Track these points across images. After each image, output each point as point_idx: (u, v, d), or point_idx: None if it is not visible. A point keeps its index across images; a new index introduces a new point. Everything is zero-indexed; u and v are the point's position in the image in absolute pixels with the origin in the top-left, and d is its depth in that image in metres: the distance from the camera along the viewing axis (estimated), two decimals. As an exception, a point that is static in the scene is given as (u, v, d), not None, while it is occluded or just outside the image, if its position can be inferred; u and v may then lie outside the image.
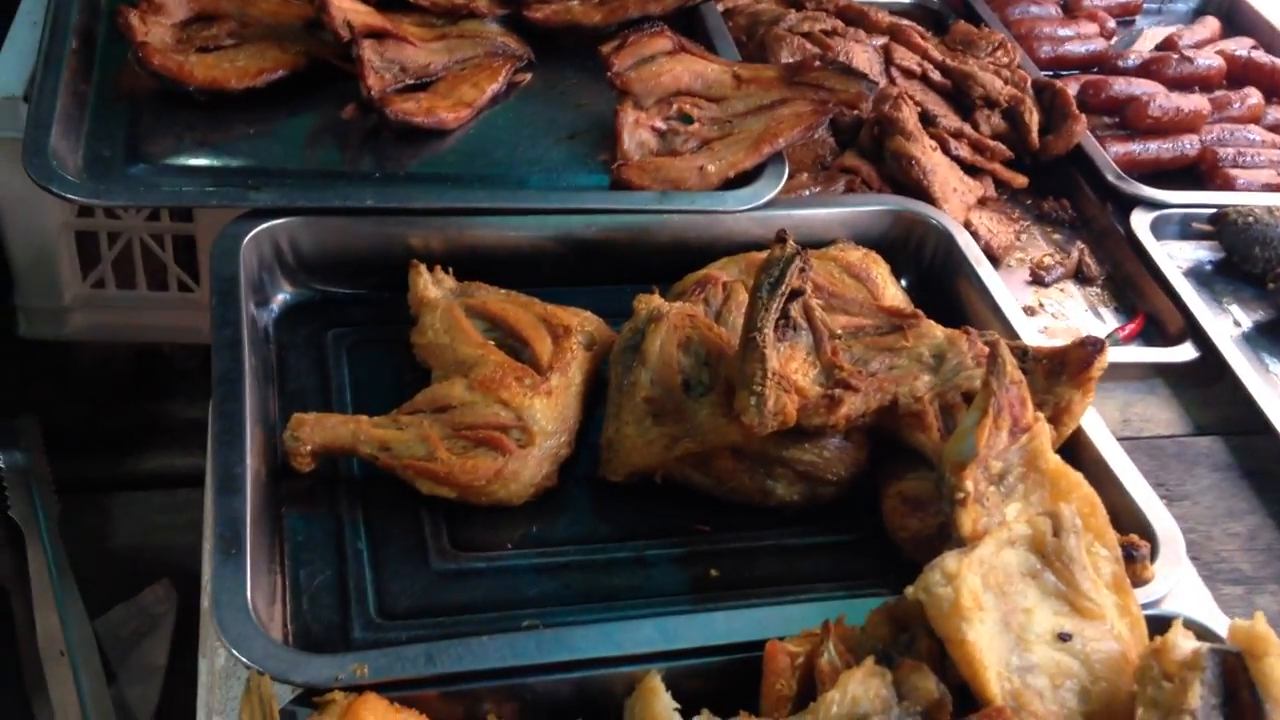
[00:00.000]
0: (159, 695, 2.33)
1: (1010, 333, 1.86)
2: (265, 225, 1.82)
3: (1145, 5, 3.18)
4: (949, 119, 2.45)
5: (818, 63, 2.16)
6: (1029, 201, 2.51)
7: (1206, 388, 2.12)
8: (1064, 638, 1.28)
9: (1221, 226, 2.35)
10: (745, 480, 1.63)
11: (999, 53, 2.64)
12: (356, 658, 1.31)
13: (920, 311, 1.75)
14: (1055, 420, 1.63)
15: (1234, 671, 1.20)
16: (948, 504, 1.40)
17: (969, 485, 1.38)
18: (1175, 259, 2.32)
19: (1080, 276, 2.36)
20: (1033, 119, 2.47)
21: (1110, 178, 2.43)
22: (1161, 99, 2.60)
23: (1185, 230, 2.40)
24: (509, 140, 2.11)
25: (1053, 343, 1.75)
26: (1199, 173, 2.57)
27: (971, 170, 2.39)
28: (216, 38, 2.13)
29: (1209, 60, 2.83)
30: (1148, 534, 1.58)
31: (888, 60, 2.54)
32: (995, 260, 2.24)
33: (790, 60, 2.38)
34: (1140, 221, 2.34)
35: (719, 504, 1.65)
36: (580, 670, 1.36)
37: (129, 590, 2.46)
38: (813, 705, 1.22)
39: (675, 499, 1.66)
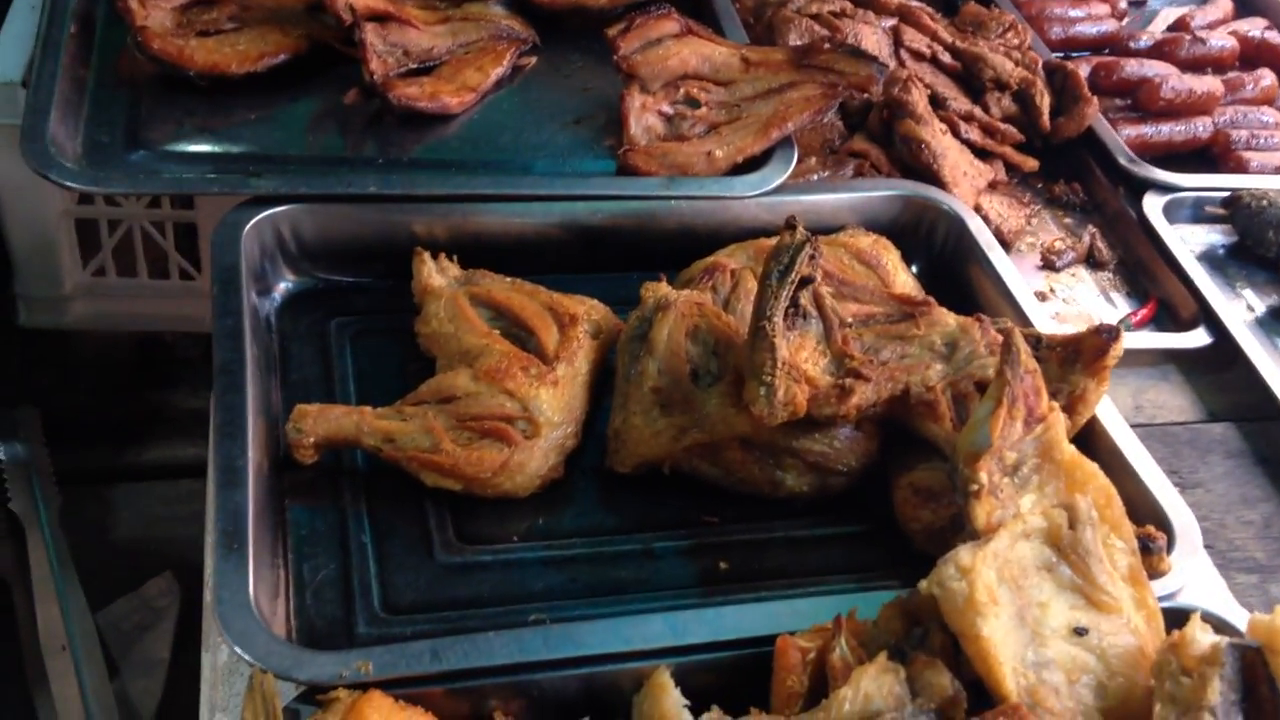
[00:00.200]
0: (162, 689, 2.32)
1: (1023, 320, 1.85)
2: (267, 212, 1.81)
3: (1157, -14, 3.15)
4: (959, 102, 2.43)
5: (827, 45, 2.14)
6: (1040, 185, 2.49)
7: (1220, 373, 2.10)
8: (1080, 632, 1.26)
9: (1235, 210, 2.33)
10: (754, 471, 1.61)
11: (1009, 34, 2.61)
12: (361, 654, 1.29)
13: (931, 298, 1.73)
14: (1070, 409, 1.61)
15: (1253, 666, 1.19)
16: (961, 496, 1.38)
17: (983, 477, 1.36)
18: (1188, 243, 2.30)
19: (1092, 261, 2.33)
20: (1044, 101, 2.44)
21: (1122, 161, 2.41)
22: (1174, 81, 2.57)
23: (1198, 214, 2.38)
24: (514, 125, 2.09)
25: (1065, 329, 1.73)
26: (1212, 155, 2.55)
27: (982, 154, 2.37)
28: (217, 21, 2.11)
29: (1222, 41, 2.80)
30: (1164, 524, 1.57)
31: (897, 42, 2.51)
32: (1006, 245, 2.21)
33: (798, 42, 2.35)
34: (1152, 205, 2.32)
35: (728, 495, 1.64)
36: (588, 666, 1.35)
37: (131, 583, 2.46)
38: (825, 702, 1.21)
39: (683, 490, 1.64)
